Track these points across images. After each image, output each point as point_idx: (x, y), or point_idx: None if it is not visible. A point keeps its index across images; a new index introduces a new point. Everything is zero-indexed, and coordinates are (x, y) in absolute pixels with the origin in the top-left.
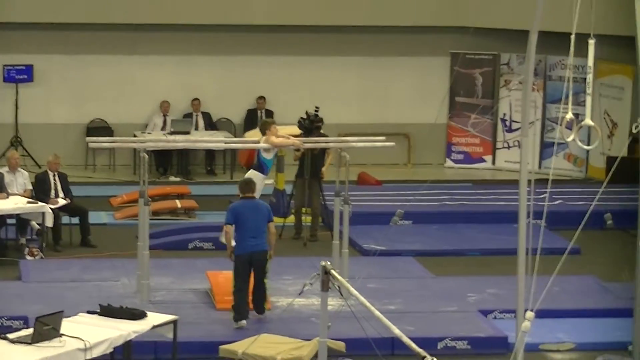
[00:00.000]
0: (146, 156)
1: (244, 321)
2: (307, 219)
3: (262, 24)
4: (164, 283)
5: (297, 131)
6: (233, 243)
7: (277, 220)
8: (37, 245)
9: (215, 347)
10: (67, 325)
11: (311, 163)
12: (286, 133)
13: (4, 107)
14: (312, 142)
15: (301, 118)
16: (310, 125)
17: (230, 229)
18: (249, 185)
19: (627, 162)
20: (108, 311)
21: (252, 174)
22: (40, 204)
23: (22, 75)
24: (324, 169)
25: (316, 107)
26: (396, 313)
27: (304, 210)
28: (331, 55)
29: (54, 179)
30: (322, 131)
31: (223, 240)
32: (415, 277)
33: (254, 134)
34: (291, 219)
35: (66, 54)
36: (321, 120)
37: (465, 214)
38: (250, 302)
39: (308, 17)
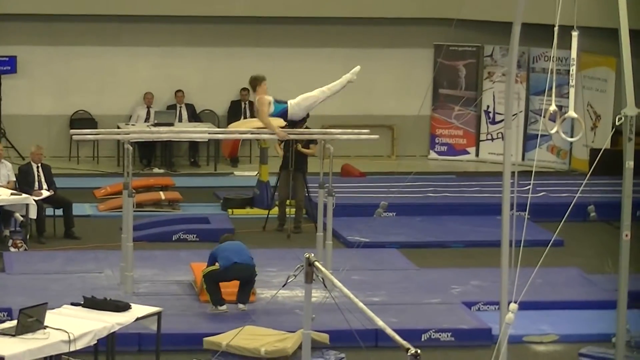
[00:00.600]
0: (130, 148)
1: (224, 306)
2: (291, 211)
3: (246, 16)
4: (148, 275)
5: (282, 122)
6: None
7: (261, 212)
8: (20, 237)
9: (199, 339)
10: (51, 317)
11: (296, 155)
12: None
13: None
14: (296, 134)
15: None
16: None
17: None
18: (227, 235)
19: (610, 154)
20: (92, 303)
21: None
22: (23, 195)
23: (6, 66)
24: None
25: None
26: (380, 305)
27: (288, 202)
28: (315, 47)
29: (38, 171)
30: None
31: None
32: (399, 269)
33: (237, 126)
34: (275, 210)
35: (50, 45)
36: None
37: (449, 205)
38: (234, 294)
39: (292, 9)
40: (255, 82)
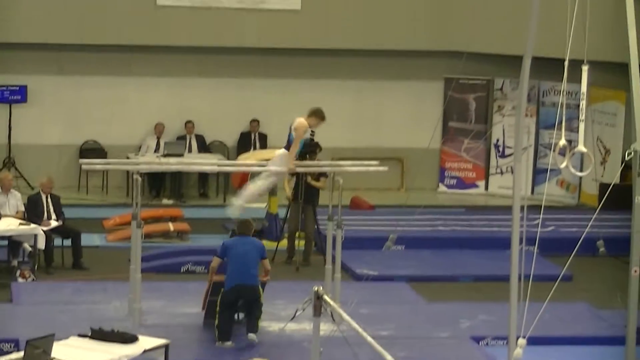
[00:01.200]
0: (139, 178)
1: (230, 342)
2: (300, 243)
3: (256, 47)
4: (156, 306)
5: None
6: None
7: (270, 244)
8: (29, 267)
9: None
10: (58, 349)
11: (306, 187)
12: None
13: None
14: (305, 167)
15: None
16: (305, 149)
17: (217, 262)
18: (245, 225)
19: (619, 188)
20: (99, 334)
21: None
22: (32, 225)
23: (16, 95)
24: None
25: (311, 132)
26: (388, 339)
27: (297, 234)
28: (325, 79)
29: (47, 201)
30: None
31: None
32: (408, 302)
33: (247, 157)
34: (284, 242)
35: (60, 74)
36: (316, 144)
37: (458, 239)
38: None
39: (302, 41)
40: (317, 114)
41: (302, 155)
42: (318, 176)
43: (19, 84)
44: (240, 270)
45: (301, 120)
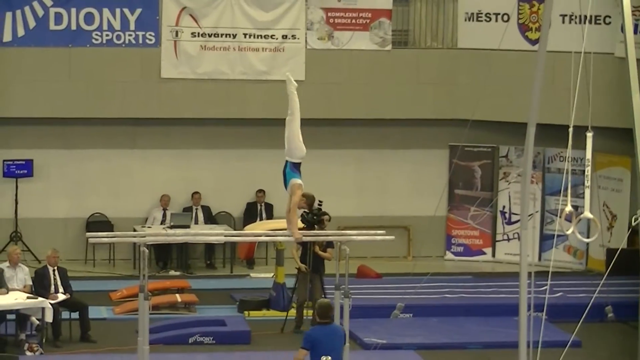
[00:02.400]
0: (146, 250)
1: None
2: (308, 313)
3: (260, 118)
4: None
5: (300, 225)
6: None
7: (278, 314)
8: (36, 340)
9: None
10: None
11: (313, 257)
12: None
13: (3, 201)
14: (312, 236)
15: (304, 212)
16: (313, 219)
17: (304, 354)
18: (327, 309)
19: (627, 254)
20: None
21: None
22: (40, 299)
23: (22, 170)
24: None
25: (319, 202)
26: None
27: (305, 303)
28: (329, 149)
29: (54, 274)
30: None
31: None
32: None
33: (253, 227)
34: (292, 312)
35: (65, 148)
36: (324, 214)
37: (466, 306)
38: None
39: (305, 111)
40: (307, 198)
41: (310, 226)
42: (325, 247)
43: (25, 158)
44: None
45: (298, 184)
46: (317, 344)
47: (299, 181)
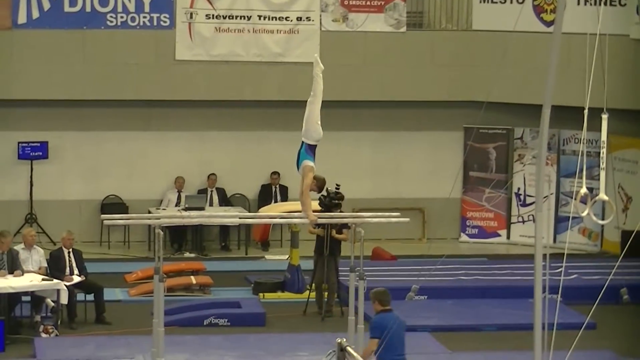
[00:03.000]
0: (161, 233)
1: None
2: (325, 295)
3: (275, 100)
4: None
5: (317, 208)
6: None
7: (292, 296)
8: (51, 322)
9: None
10: None
11: (330, 240)
12: (313, 207)
13: (18, 184)
14: (327, 218)
15: (322, 195)
16: (330, 202)
17: (376, 344)
18: (388, 295)
19: None
20: None
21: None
22: (55, 281)
23: (37, 152)
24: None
25: (337, 185)
26: None
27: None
28: (344, 130)
29: (69, 256)
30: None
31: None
32: (431, 352)
33: (268, 210)
34: (306, 294)
35: (80, 130)
36: (342, 197)
37: (481, 288)
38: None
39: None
40: (318, 181)
41: (327, 208)
42: (340, 228)
43: (40, 140)
44: (398, 353)
45: (310, 167)
46: (385, 331)
47: (310, 163)
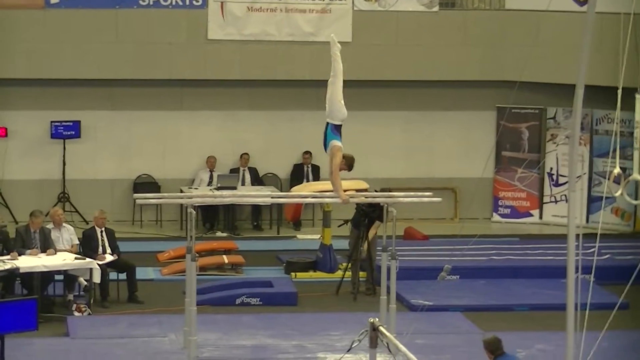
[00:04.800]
0: (193, 212)
1: None
2: (362, 274)
3: (307, 79)
4: (211, 339)
5: (364, 185)
6: None
7: (324, 275)
8: (84, 301)
9: None
10: None
11: (364, 216)
12: (349, 186)
13: (51, 163)
14: (358, 197)
15: (362, 205)
16: (369, 211)
17: None
18: (496, 343)
19: None
20: None
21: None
22: (87, 260)
23: (70, 131)
24: (370, 234)
25: (375, 190)
26: None
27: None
28: (376, 110)
29: (101, 235)
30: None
31: None
32: (463, 332)
33: (300, 189)
34: (338, 274)
35: (112, 109)
36: (375, 210)
37: (513, 268)
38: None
39: (352, 72)
40: (347, 160)
41: (366, 215)
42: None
43: (73, 119)
44: None
45: (338, 146)
46: None
47: (338, 143)
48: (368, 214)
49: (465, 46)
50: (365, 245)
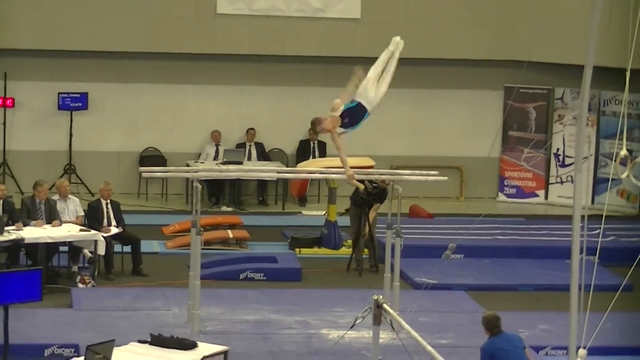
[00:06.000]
0: (199, 186)
1: None
2: (365, 251)
3: (316, 55)
4: (215, 313)
5: (370, 162)
6: None
7: (329, 252)
8: (88, 273)
9: None
10: (118, 354)
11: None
12: (356, 164)
13: (58, 134)
14: (365, 174)
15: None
16: (370, 198)
17: None
18: (494, 320)
19: None
20: (159, 341)
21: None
22: (92, 232)
23: (77, 103)
24: (370, 217)
25: (374, 183)
26: (448, 347)
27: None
28: None
29: (107, 207)
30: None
31: None
32: (467, 311)
33: (306, 165)
34: (342, 250)
35: (120, 82)
36: (379, 194)
37: (518, 248)
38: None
39: (361, 49)
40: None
41: (366, 203)
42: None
43: (80, 91)
44: None
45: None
46: (498, 355)
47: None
48: (367, 202)
49: (474, 25)
50: (367, 228)
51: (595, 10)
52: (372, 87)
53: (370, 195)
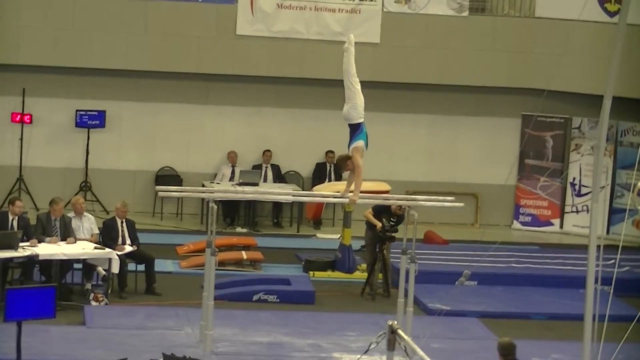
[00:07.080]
0: (214, 206)
1: None
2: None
3: (334, 79)
4: (227, 334)
5: (386, 187)
6: None
7: (342, 276)
8: (102, 291)
9: None
10: None
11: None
12: (372, 188)
13: (75, 151)
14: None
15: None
16: (386, 236)
17: None
18: (510, 347)
19: None
20: None
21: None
22: (107, 250)
23: (94, 120)
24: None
25: (392, 220)
26: None
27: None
28: (401, 112)
29: (122, 226)
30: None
31: None
32: (480, 338)
33: (322, 188)
34: (356, 274)
35: (138, 100)
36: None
37: (532, 276)
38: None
39: (380, 74)
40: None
41: (381, 241)
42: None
43: (98, 109)
44: None
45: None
46: None
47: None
48: (384, 239)
49: (493, 52)
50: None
51: (617, 40)
52: (352, 109)
53: (387, 232)
